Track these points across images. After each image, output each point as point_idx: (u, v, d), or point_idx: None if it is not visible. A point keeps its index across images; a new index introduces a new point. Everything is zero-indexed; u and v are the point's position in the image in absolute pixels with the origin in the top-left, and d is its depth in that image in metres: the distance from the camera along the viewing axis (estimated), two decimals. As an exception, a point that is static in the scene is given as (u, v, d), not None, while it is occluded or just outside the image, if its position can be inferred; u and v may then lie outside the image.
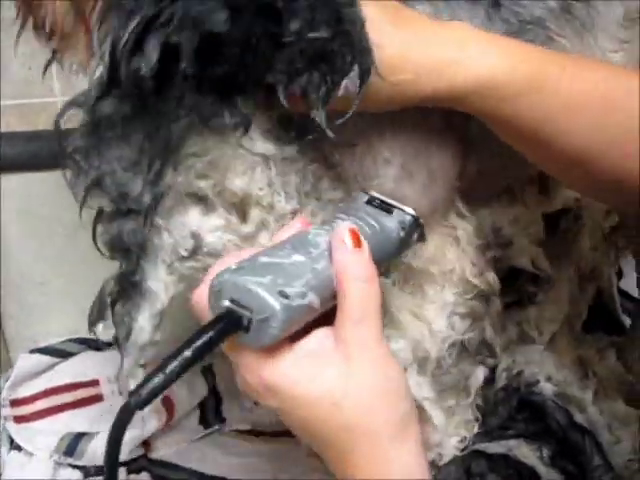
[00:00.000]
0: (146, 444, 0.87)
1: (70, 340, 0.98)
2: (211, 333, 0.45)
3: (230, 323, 0.45)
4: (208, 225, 0.60)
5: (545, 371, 0.83)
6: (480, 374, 0.81)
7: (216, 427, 0.92)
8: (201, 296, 0.49)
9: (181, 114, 0.55)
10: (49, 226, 0.97)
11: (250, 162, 0.59)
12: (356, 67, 0.54)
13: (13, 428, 0.87)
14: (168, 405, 0.88)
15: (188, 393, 0.90)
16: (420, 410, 0.75)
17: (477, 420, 0.82)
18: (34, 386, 0.92)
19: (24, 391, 0.91)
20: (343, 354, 0.47)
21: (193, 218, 0.59)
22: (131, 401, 0.44)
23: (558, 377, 0.83)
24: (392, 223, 0.57)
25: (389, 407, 0.48)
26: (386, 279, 0.72)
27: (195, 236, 0.60)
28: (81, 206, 0.58)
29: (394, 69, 0.56)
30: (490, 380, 0.84)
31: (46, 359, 0.94)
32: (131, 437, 0.84)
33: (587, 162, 0.62)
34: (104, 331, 0.63)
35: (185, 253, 0.59)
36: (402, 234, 0.57)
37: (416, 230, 0.59)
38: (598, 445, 0.78)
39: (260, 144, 0.59)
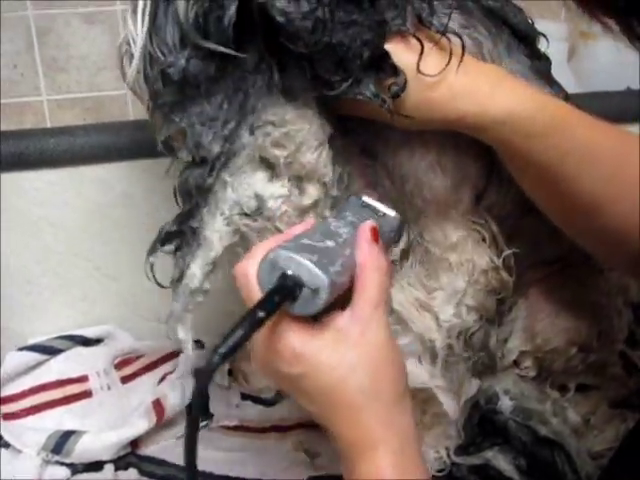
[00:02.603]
0: (133, 441, 0.87)
1: (58, 337, 0.98)
2: (274, 298, 0.51)
3: (286, 291, 0.51)
4: (272, 191, 0.66)
5: (503, 384, 0.83)
6: (474, 386, 0.80)
7: (203, 423, 0.92)
8: (245, 268, 0.56)
9: (258, 79, 0.62)
10: (36, 224, 0.97)
11: (321, 139, 0.65)
12: None
13: (2, 425, 0.87)
14: (158, 409, 0.88)
15: (180, 397, 0.90)
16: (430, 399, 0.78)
17: (459, 437, 0.81)
18: (23, 383, 0.92)
19: (13, 388, 0.91)
20: (360, 330, 0.54)
21: (259, 181, 0.65)
22: (210, 360, 0.48)
23: (515, 390, 0.83)
24: (386, 225, 0.62)
25: (395, 376, 0.56)
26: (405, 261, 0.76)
27: (259, 198, 0.65)
28: (161, 144, 0.67)
29: (433, 85, 0.62)
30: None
31: (34, 356, 0.94)
32: (119, 438, 0.85)
33: (593, 211, 0.65)
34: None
35: (248, 211, 0.66)
36: (392, 234, 0.64)
37: (401, 232, 0.66)
38: (568, 456, 0.78)
39: (328, 124, 0.65)
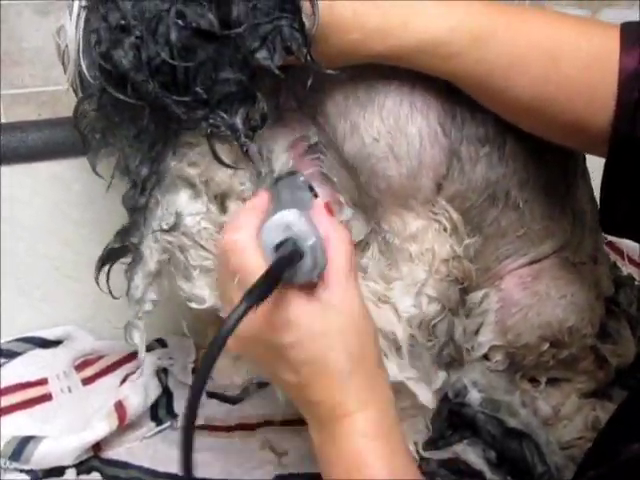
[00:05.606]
0: (96, 445, 0.85)
1: (15, 339, 0.96)
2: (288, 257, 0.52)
3: (294, 254, 0.52)
4: (191, 209, 0.68)
5: (471, 376, 0.82)
6: (440, 378, 0.78)
7: (168, 423, 0.91)
8: (233, 240, 0.56)
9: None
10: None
11: (234, 158, 0.65)
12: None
13: (-40, 432, 0.84)
14: (120, 411, 0.86)
15: (142, 398, 0.88)
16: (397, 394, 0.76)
17: (427, 431, 0.80)
18: (-19, 388, 0.89)
19: (-30, 394, 0.89)
20: (340, 298, 0.56)
21: (182, 200, 0.67)
22: (221, 330, 0.48)
23: (483, 382, 0.82)
24: None
25: (375, 342, 0.59)
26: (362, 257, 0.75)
27: (177, 215, 0.67)
28: (93, 169, 0.70)
29: (345, 29, 0.61)
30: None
31: (-8, 360, 0.92)
32: (80, 442, 0.82)
33: (537, 110, 0.64)
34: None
35: (165, 227, 0.68)
36: None
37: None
38: (537, 447, 0.78)
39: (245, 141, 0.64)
